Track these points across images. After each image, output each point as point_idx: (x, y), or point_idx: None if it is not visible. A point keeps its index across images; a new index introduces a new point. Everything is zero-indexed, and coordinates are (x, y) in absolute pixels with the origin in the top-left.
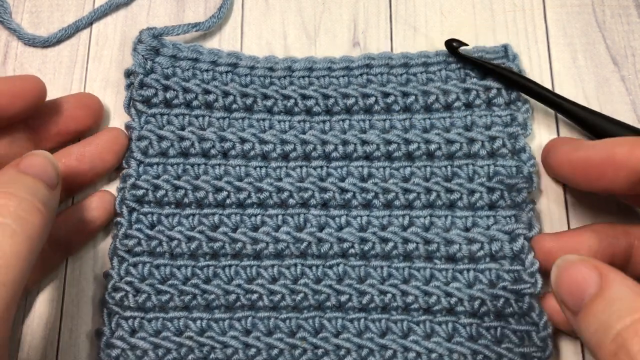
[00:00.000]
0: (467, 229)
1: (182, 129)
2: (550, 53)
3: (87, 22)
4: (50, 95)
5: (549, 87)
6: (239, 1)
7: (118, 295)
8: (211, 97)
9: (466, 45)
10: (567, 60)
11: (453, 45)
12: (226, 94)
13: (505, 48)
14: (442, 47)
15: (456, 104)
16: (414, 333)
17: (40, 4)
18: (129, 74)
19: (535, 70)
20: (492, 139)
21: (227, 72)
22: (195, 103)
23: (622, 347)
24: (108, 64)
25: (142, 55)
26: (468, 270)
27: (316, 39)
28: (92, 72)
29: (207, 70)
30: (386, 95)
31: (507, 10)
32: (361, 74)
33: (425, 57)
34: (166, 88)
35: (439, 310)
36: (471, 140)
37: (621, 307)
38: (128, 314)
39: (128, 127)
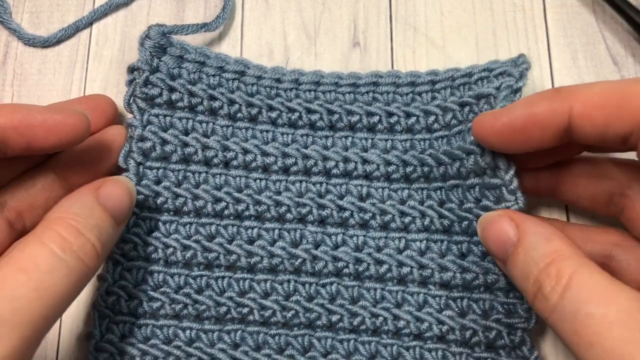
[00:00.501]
0: (462, 255)
1: (186, 133)
2: (550, 53)
3: (87, 22)
4: (50, 96)
5: (549, 87)
6: (239, 1)
7: (110, 299)
8: (216, 104)
9: None
10: (567, 60)
11: None
12: (232, 102)
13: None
14: (443, 48)
15: (453, 122)
16: (403, 358)
17: (40, 4)
18: (132, 69)
19: (535, 70)
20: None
21: (233, 79)
22: (200, 108)
23: (539, 289)
24: (108, 64)
25: (150, 52)
26: (462, 298)
27: (316, 39)
28: (92, 72)
29: (213, 76)
30: (390, 115)
31: (507, 10)
32: (367, 92)
33: (433, 75)
34: (172, 89)
35: (429, 337)
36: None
37: (535, 255)
38: (119, 318)
39: (129, 124)
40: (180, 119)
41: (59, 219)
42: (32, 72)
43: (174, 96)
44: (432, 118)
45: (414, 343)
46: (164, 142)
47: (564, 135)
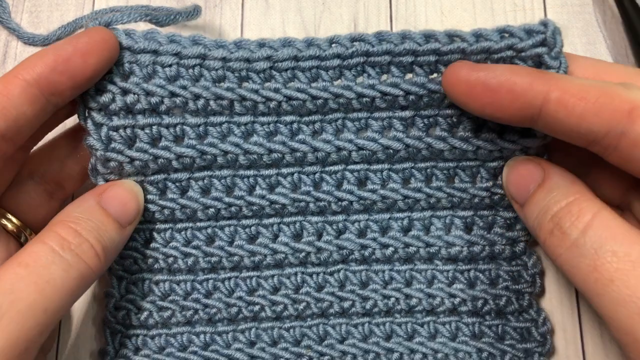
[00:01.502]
0: (467, 228)
1: (154, 141)
2: None
3: (86, 21)
4: None
5: None
6: (239, 1)
7: (120, 314)
8: (180, 101)
9: None
10: None
11: None
12: (197, 96)
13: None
14: None
15: None
16: (418, 335)
17: (40, 3)
18: None
19: None
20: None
21: (194, 66)
22: (162, 108)
23: (557, 225)
24: None
25: None
26: (469, 270)
27: None
28: None
29: (170, 66)
30: (386, 94)
31: (508, 10)
32: (357, 65)
33: (434, 42)
34: (125, 91)
35: (442, 311)
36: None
37: (558, 194)
38: (131, 332)
39: (88, 146)
40: (143, 127)
41: (60, 222)
42: None
43: (129, 99)
44: (437, 95)
45: (427, 319)
46: (132, 159)
47: (530, 116)
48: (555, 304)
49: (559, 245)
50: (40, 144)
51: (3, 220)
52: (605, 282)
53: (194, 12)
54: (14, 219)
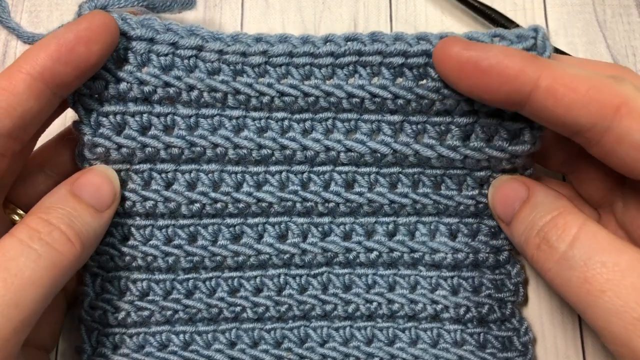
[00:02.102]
0: (452, 235)
1: (143, 130)
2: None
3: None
4: None
5: None
6: (239, 1)
7: (97, 313)
8: (173, 91)
9: None
10: None
11: None
12: (191, 87)
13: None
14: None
15: (460, 108)
16: (399, 340)
17: (39, 3)
18: None
19: None
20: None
21: (190, 57)
22: (155, 97)
23: (543, 239)
24: None
25: None
26: (452, 277)
27: None
28: None
29: (165, 55)
30: (374, 96)
31: (508, 10)
32: (349, 63)
33: (427, 44)
34: (118, 79)
35: (424, 317)
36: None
37: (543, 209)
38: (109, 330)
39: (77, 130)
40: (133, 115)
41: (30, 214)
42: None
43: (121, 87)
44: (425, 102)
45: (409, 324)
46: (120, 146)
47: (518, 101)
48: (555, 304)
49: (548, 259)
50: (46, 136)
51: (15, 215)
52: (597, 293)
53: (189, 1)
54: (24, 215)
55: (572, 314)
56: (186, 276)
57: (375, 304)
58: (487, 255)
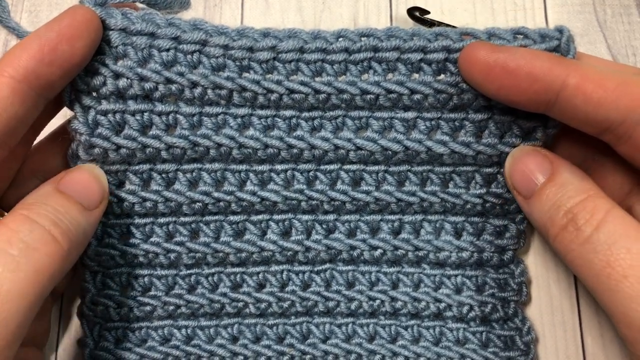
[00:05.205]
0: (457, 233)
1: (144, 129)
2: None
3: None
4: None
5: None
6: (239, 1)
7: (99, 309)
8: (176, 88)
9: (428, 12)
10: None
11: (415, 15)
12: (194, 84)
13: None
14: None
15: (476, 102)
16: (402, 337)
17: (39, 3)
18: None
19: None
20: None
21: (193, 52)
22: (156, 95)
23: (571, 221)
24: None
25: None
26: (456, 276)
27: None
28: None
29: (167, 50)
30: (390, 92)
31: (508, 9)
32: (363, 60)
33: (445, 39)
34: (117, 75)
35: (427, 315)
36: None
37: (572, 189)
38: (111, 324)
39: (72, 129)
40: (133, 113)
41: (12, 212)
42: None
43: (121, 83)
44: (443, 96)
45: (411, 322)
46: (119, 147)
47: (547, 101)
48: (555, 304)
49: (573, 240)
50: (39, 139)
51: None
52: (619, 277)
53: (186, 1)
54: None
55: (573, 314)
56: (188, 272)
57: (378, 301)
58: (491, 254)
